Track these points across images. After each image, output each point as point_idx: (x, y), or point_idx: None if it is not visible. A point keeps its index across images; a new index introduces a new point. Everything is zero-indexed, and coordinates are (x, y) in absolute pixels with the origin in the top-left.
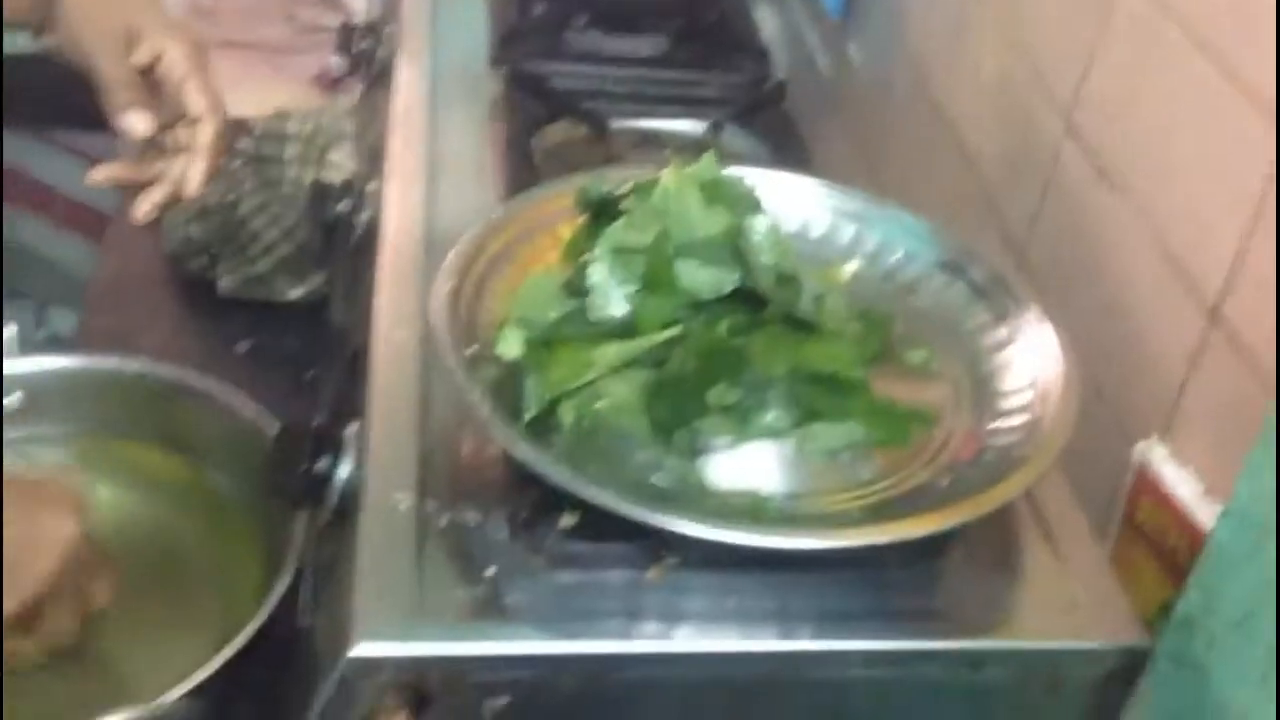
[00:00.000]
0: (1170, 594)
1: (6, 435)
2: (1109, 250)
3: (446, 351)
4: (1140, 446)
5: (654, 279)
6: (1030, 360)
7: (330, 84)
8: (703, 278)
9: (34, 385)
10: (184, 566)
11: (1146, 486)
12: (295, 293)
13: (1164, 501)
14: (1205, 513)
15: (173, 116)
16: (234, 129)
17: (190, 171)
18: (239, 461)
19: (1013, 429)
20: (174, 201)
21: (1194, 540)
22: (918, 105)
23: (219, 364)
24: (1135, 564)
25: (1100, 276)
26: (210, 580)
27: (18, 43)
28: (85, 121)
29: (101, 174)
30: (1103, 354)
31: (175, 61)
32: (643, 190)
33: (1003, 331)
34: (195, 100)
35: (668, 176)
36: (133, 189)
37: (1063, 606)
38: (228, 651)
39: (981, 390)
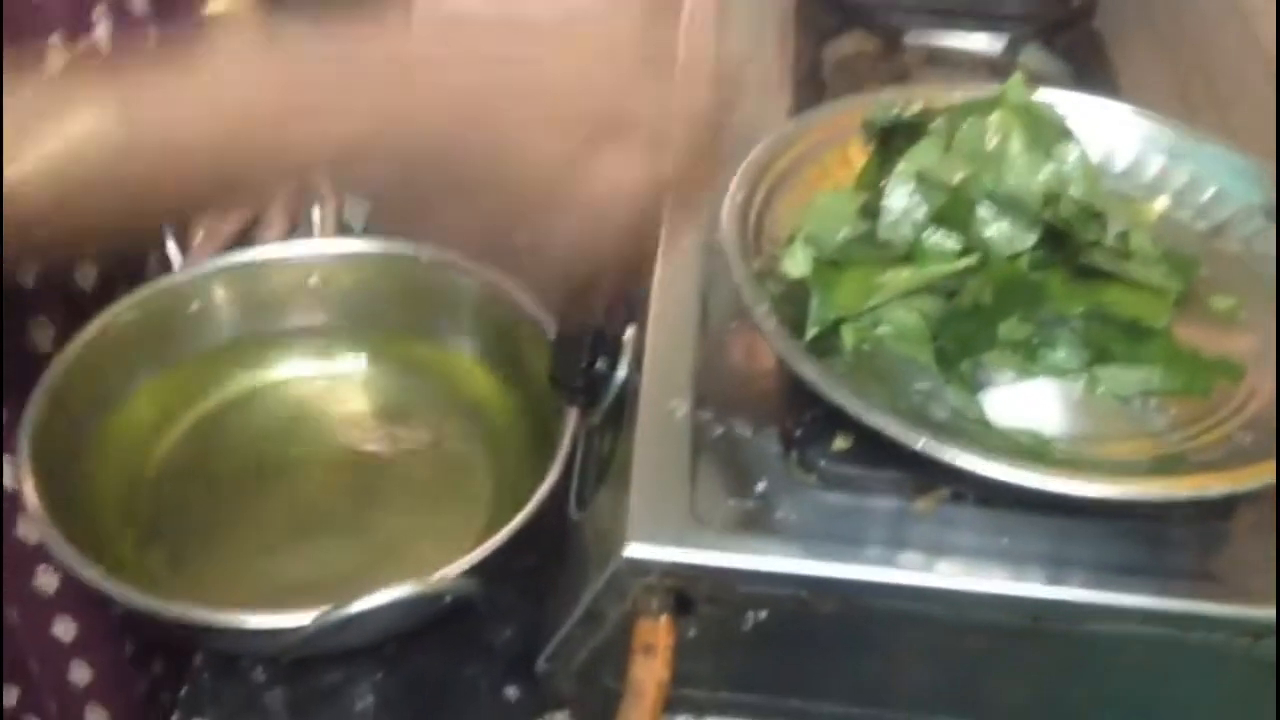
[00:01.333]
0: None
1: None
2: None
3: (735, 263)
4: None
5: (951, 217)
6: None
7: None
8: (1003, 230)
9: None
10: (458, 455)
11: None
12: None
13: None
14: None
15: None
16: None
17: None
18: (519, 354)
19: None
20: None
21: None
22: (1235, 30)
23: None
24: None
25: None
26: (483, 468)
27: None
28: None
29: None
30: None
31: None
32: (961, 113)
33: None
34: None
35: (988, 119)
36: None
37: None
38: (503, 534)
39: None
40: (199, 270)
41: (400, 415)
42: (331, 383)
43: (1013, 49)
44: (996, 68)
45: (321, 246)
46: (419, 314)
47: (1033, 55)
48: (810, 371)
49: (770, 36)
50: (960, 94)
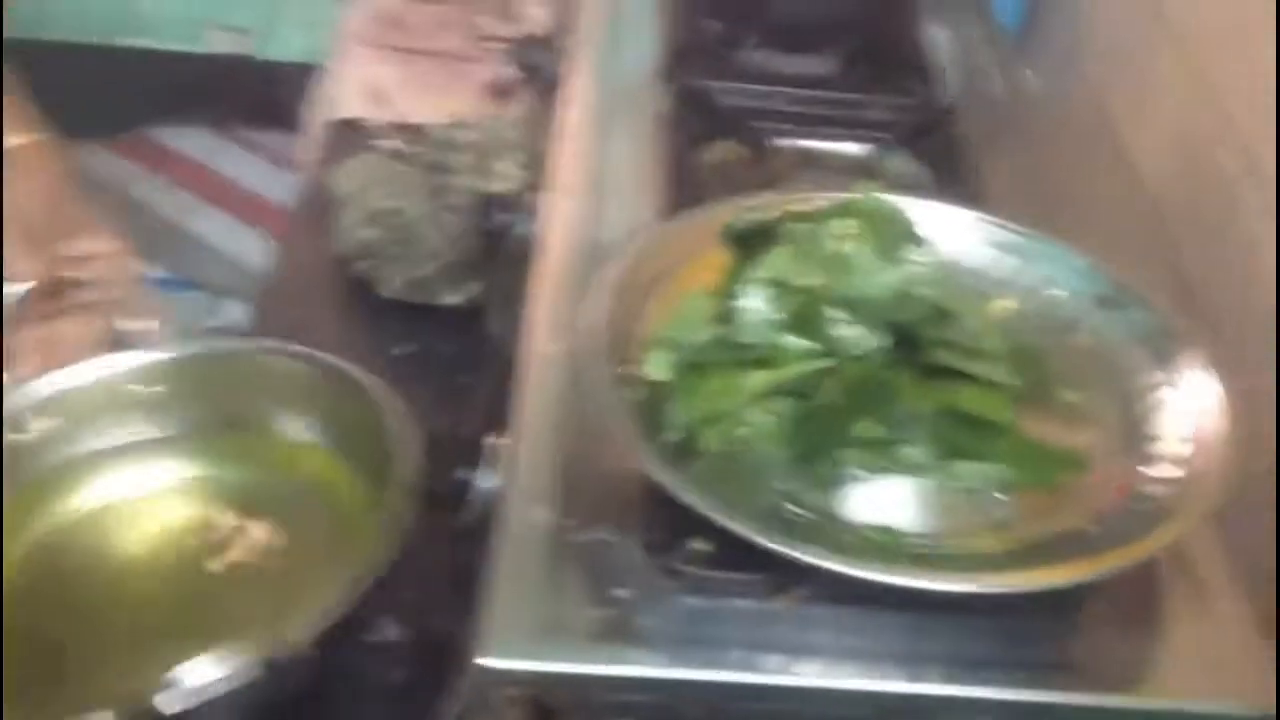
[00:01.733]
0: None
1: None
2: None
3: (594, 368)
4: None
5: (805, 321)
6: (1192, 409)
7: (501, 93)
8: (853, 332)
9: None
10: (305, 547)
11: None
12: (454, 298)
13: None
14: None
15: None
16: (411, 135)
17: None
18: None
19: (1168, 480)
20: None
21: None
22: (1094, 134)
23: (377, 364)
24: None
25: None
26: (329, 560)
27: (212, 43)
28: (268, 120)
29: None
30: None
31: None
32: (815, 220)
33: (1163, 376)
34: None
35: (840, 224)
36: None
37: (1205, 666)
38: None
39: (1137, 436)
40: (16, 399)
41: (244, 510)
42: (165, 490)
43: (878, 154)
44: (865, 170)
45: (141, 357)
46: (252, 406)
47: (897, 160)
48: (665, 476)
49: (645, 143)
50: (823, 199)
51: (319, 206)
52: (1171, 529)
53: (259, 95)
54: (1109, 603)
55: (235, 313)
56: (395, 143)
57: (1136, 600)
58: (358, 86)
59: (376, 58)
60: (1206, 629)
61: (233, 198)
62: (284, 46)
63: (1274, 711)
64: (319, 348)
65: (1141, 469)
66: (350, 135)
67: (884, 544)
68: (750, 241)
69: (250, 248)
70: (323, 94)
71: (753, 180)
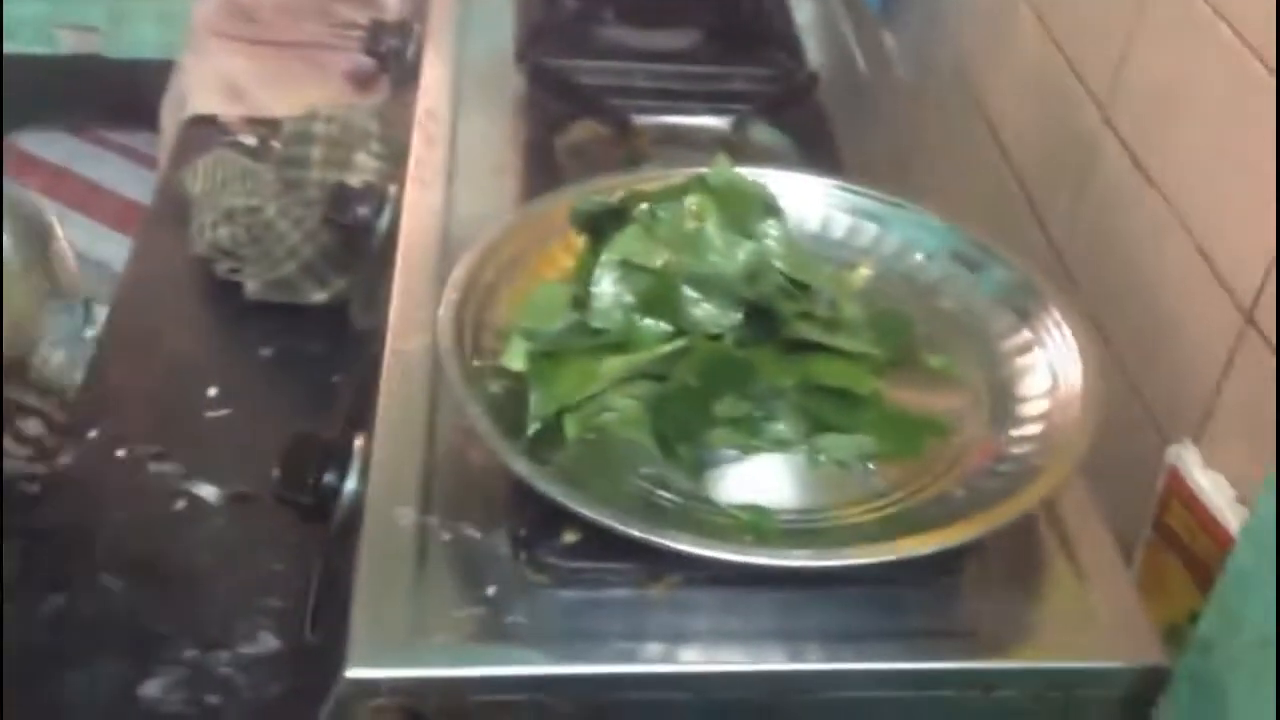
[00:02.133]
0: (1200, 602)
1: None
2: (1145, 246)
3: (449, 363)
4: (1173, 450)
5: (657, 302)
6: (1053, 364)
7: (362, 82)
8: (707, 310)
9: None
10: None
11: (1178, 491)
12: (320, 296)
13: (1195, 507)
14: (1237, 521)
15: None
16: (265, 129)
17: None
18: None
19: (1032, 437)
20: None
21: (1224, 548)
22: (955, 99)
23: (244, 368)
24: (1165, 571)
25: (1138, 273)
26: None
27: (63, 44)
28: (127, 119)
29: None
30: (1140, 353)
31: None
32: (663, 197)
33: (1026, 334)
34: None
35: (691, 201)
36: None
37: (1080, 624)
38: None
39: (1002, 396)
40: None
41: None
42: None
43: (739, 126)
44: (728, 144)
45: None
46: None
47: (761, 131)
48: (524, 468)
49: (504, 127)
50: (679, 176)
51: (177, 207)
52: (1036, 489)
53: (115, 94)
54: (984, 566)
55: None
56: (250, 138)
57: (1012, 561)
58: (211, 81)
59: (229, 50)
60: (1082, 585)
61: (96, 202)
62: (135, 43)
63: (1154, 661)
64: (178, 353)
65: (1006, 430)
66: (204, 132)
67: (755, 524)
68: (600, 224)
69: (119, 253)
70: (176, 90)
71: (614, 160)
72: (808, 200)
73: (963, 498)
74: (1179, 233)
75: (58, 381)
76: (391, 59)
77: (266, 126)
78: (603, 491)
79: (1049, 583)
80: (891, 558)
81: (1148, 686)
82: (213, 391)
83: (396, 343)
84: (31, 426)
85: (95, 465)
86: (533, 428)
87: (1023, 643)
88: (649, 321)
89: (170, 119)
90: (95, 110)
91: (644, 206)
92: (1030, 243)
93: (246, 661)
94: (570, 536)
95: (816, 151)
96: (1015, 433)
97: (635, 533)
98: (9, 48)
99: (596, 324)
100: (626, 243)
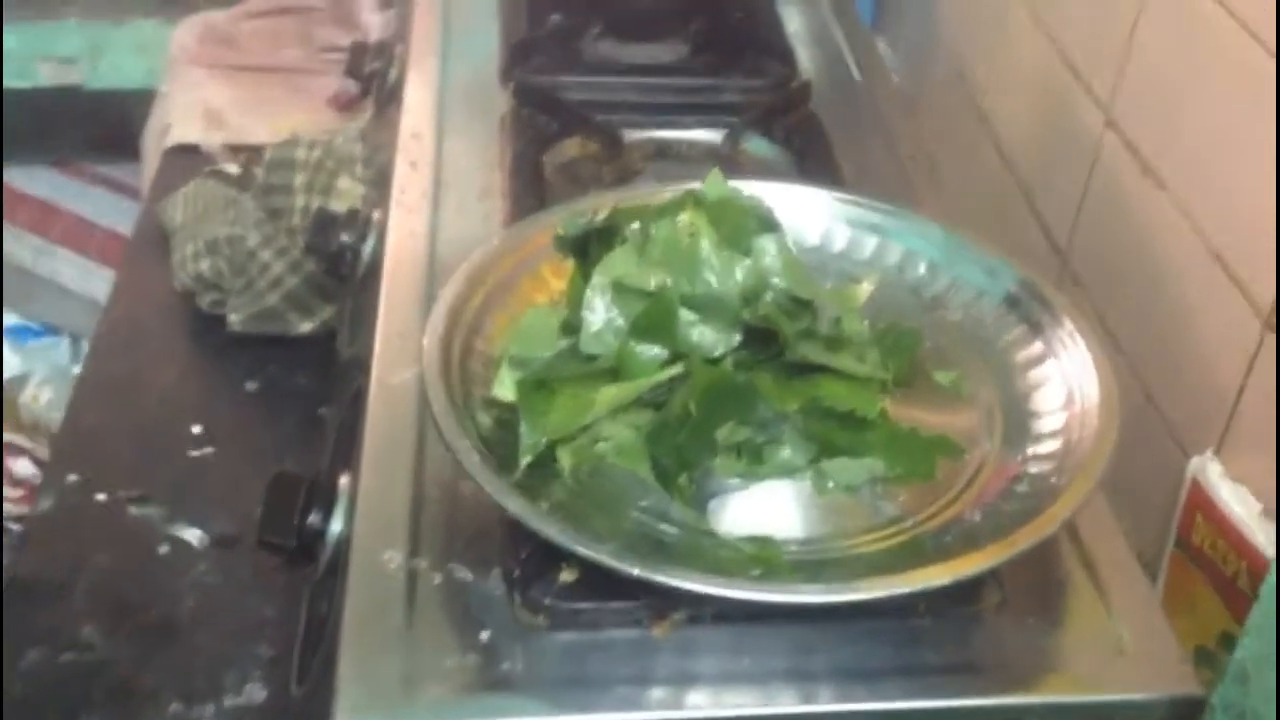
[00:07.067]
0: (1229, 623)
1: None
2: (1156, 250)
3: (435, 396)
4: (1195, 462)
5: (652, 326)
6: (1068, 377)
7: (345, 105)
8: (704, 334)
9: None
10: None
11: (1201, 505)
12: (306, 326)
13: (1220, 522)
14: (1264, 535)
15: None
16: (248, 156)
17: None
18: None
19: (1049, 455)
20: None
21: (1254, 565)
22: (952, 104)
23: (228, 403)
24: (1192, 590)
25: (1148, 277)
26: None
27: (42, 77)
28: (110, 151)
29: None
30: (1154, 361)
31: None
32: (655, 215)
33: (1038, 346)
34: None
35: (683, 216)
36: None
37: (1108, 653)
38: None
39: (1015, 412)
40: None
41: None
42: None
43: (732, 138)
44: (722, 158)
45: None
46: None
47: (754, 143)
48: (517, 505)
49: (490, 148)
50: (669, 192)
51: (159, 239)
52: (1057, 511)
53: (97, 126)
54: (1004, 593)
55: None
56: (233, 166)
57: (1032, 586)
58: (192, 109)
59: (209, 77)
60: (1108, 609)
61: (84, 236)
62: (115, 73)
63: (1188, 691)
64: (160, 390)
65: (1023, 448)
66: (187, 161)
67: (762, 556)
68: (588, 246)
69: (106, 287)
70: (157, 120)
71: (604, 177)
72: (805, 213)
73: (979, 522)
74: (1190, 234)
75: (46, 419)
76: (374, 81)
77: (249, 153)
78: (600, 527)
79: (1073, 609)
80: (906, 590)
81: (1182, 717)
82: (196, 429)
83: (382, 375)
84: (21, 467)
85: (75, 510)
86: (524, 461)
87: (1048, 675)
88: (644, 346)
89: (152, 149)
90: (79, 143)
91: (636, 225)
92: (1034, 250)
93: (232, 715)
94: (567, 576)
95: (812, 162)
96: (1032, 450)
97: (636, 570)
98: None
99: (589, 350)
100: (618, 264)
